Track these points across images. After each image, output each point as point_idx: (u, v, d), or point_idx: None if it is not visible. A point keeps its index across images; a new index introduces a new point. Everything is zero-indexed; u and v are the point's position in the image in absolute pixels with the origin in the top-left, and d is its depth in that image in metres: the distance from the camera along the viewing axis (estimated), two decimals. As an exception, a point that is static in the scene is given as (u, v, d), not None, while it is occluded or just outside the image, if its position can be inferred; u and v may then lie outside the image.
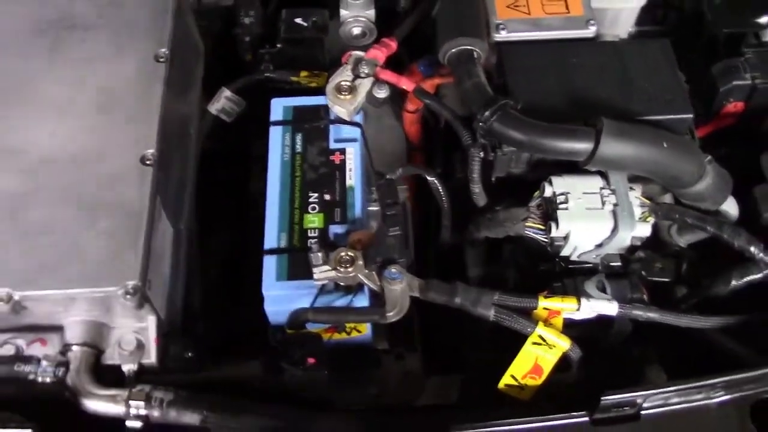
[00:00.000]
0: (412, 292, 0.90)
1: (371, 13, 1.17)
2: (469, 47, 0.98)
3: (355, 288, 0.92)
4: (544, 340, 0.87)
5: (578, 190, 0.96)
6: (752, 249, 0.93)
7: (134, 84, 1.00)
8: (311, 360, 0.90)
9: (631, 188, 0.97)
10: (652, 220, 0.97)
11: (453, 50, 0.99)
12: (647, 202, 0.97)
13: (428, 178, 0.97)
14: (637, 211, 0.96)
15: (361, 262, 0.90)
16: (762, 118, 1.14)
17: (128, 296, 0.85)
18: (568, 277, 0.96)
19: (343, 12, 1.18)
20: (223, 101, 1.19)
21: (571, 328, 0.93)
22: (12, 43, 1.04)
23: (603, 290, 0.94)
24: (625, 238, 0.94)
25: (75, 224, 0.89)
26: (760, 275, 0.94)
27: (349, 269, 0.90)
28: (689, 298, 0.99)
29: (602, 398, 0.81)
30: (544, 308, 0.88)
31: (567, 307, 0.88)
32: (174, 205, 1.03)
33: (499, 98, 0.93)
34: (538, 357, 0.88)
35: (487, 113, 0.92)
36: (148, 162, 0.93)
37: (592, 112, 0.93)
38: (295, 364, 0.89)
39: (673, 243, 1.03)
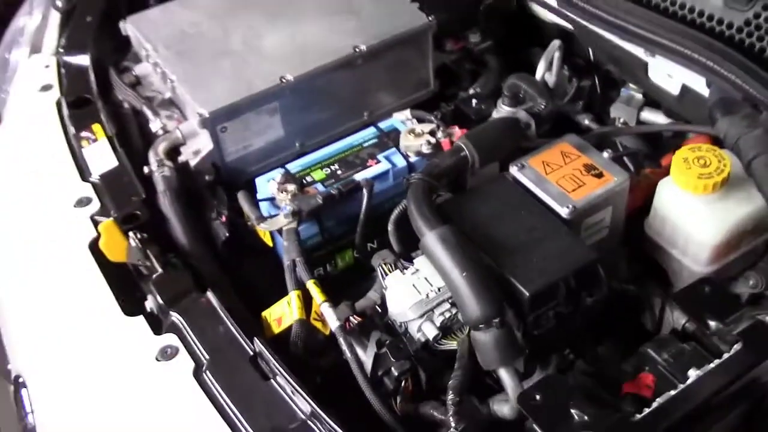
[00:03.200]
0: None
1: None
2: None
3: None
4: (290, 304, 1.16)
5: (424, 273, 1.17)
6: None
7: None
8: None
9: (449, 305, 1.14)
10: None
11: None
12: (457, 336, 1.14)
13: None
14: (438, 319, 1.14)
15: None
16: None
17: (198, 115, 1.41)
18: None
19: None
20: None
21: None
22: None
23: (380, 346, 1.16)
24: (409, 316, 1.14)
25: (230, 74, 1.49)
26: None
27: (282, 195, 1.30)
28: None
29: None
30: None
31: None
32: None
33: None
34: (284, 313, 1.18)
35: None
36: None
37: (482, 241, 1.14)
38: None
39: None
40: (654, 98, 1.55)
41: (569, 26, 1.64)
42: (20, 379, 1.31)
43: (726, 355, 1.02)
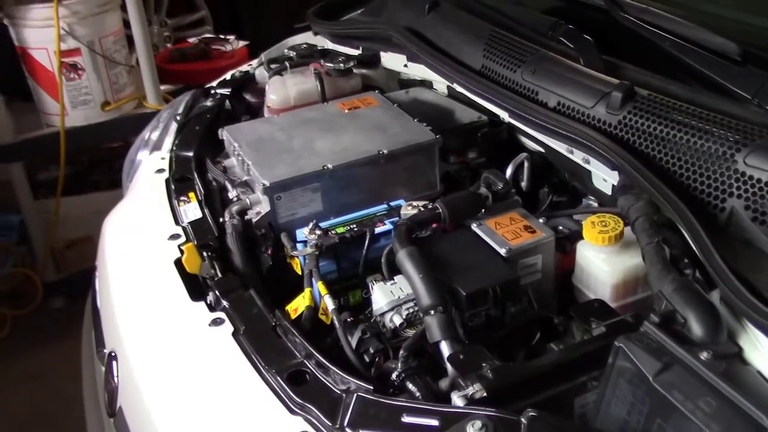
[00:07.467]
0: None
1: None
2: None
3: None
4: (304, 297, 1.67)
5: (400, 285, 1.67)
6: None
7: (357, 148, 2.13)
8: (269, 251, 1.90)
9: (413, 303, 1.62)
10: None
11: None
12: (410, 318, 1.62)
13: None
14: (404, 312, 1.62)
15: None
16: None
17: (262, 185, 2.00)
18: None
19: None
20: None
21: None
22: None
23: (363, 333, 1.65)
24: (384, 309, 1.63)
25: (288, 162, 2.09)
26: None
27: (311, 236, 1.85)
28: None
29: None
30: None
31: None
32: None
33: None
34: (299, 304, 1.68)
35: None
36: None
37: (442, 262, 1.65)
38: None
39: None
40: (600, 202, 2.06)
41: (543, 150, 2.20)
42: (113, 354, 1.85)
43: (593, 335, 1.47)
